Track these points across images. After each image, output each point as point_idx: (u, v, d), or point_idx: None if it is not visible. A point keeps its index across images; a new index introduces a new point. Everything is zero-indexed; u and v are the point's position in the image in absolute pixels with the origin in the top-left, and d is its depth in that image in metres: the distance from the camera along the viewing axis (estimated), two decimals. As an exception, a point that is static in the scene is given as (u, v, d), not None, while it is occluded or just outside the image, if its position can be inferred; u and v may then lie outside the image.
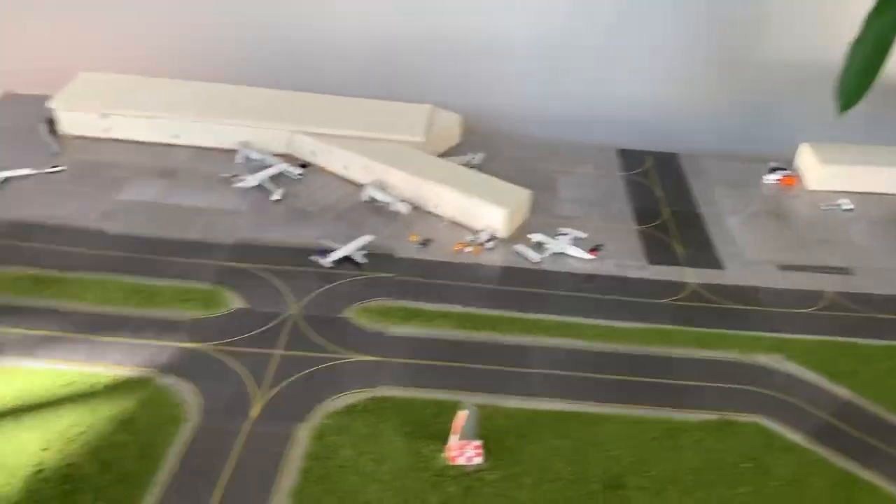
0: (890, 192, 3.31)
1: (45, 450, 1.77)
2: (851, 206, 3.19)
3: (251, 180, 2.78)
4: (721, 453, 1.96)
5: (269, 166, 2.93)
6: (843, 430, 2.15)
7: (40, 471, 1.86)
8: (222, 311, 2.23)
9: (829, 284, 2.75)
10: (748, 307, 2.57)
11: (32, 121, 3.12)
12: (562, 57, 3.66)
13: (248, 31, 3.60)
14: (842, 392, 2.28)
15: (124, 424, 1.85)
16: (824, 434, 2.12)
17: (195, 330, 2.12)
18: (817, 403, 2.23)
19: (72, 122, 3.05)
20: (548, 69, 3.71)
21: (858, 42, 2.42)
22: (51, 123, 3.03)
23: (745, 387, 2.20)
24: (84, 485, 1.67)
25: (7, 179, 2.66)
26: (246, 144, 2.93)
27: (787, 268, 2.79)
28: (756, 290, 2.58)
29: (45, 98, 3.27)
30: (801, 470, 2.00)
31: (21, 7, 3.49)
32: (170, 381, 1.96)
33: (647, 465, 1.92)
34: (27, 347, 2.06)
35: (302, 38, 3.64)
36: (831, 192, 3.25)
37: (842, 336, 2.53)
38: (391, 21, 3.57)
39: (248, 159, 2.95)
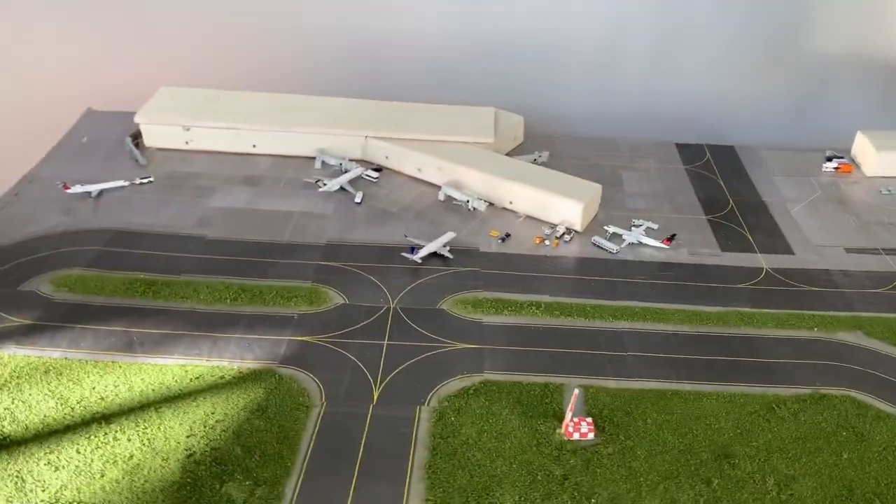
0: (944, 173, 3.41)
1: (190, 436, 1.87)
2: (909, 190, 3.28)
3: (333, 184, 2.90)
4: (819, 424, 2.07)
5: (347, 171, 3.07)
6: (932, 398, 2.24)
7: (191, 454, 1.96)
8: (325, 306, 2.37)
9: (896, 265, 2.85)
10: (823, 288, 2.68)
11: (117, 135, 3.26)
12: (615, 57, 3.78)
13: (318, 42, 3.75)
14: (925, 364, 2.39)
15: (257, 412, 1.97)
16: (914, 403, 2.22)
17: (303, 324, 2.24)
18: (903, 376, 2.33)
19: (155, 135, 3.19)
20: (602, 69, 3.83)
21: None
22: (136, 137, 3.17)
23: (831, 362, 2.30)
24: (233, 466, 1.78)
25: (102, 192, 2.80)
26: (323, 151, 3.05)
27: (854, 251, 2.90)
28: (828, 272, 2.68)
29: (125, 114, 3.40)
30: (897, 437, 2.10)
31: (99, 27, 3.66)
32: (289, 371, 2.09)
33: (751, 435, 2.02)
34: (153, 345, 2.19)
35: (369, 48, 3.79)
36: (889, 178, 3.35)
37: (918, 312, 2.63)
38: (452, 29, 3.72)
39: (325, 165, 3.08)
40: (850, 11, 3.86)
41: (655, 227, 3.27)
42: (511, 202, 3.29)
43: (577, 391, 2.24)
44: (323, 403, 2.21)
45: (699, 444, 2.23)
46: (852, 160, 4.02)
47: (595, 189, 3.24)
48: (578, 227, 3.13)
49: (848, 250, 3.26)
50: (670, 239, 3.14)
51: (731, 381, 2.51)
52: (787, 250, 3.19)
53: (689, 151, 3.91)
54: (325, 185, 3.35)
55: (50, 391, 2.36)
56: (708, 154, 3.91)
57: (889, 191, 3.60)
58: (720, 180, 3.63)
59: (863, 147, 3.87)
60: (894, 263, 3.09)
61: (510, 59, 3.99)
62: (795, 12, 3.88)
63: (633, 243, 3.16)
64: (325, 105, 3.68)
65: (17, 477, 2.32)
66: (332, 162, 3.56)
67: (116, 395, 2.34)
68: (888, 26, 3.65)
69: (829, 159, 4.09)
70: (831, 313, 2.92)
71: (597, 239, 3.12)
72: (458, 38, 3.84)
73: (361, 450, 2.27)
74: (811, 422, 2.32)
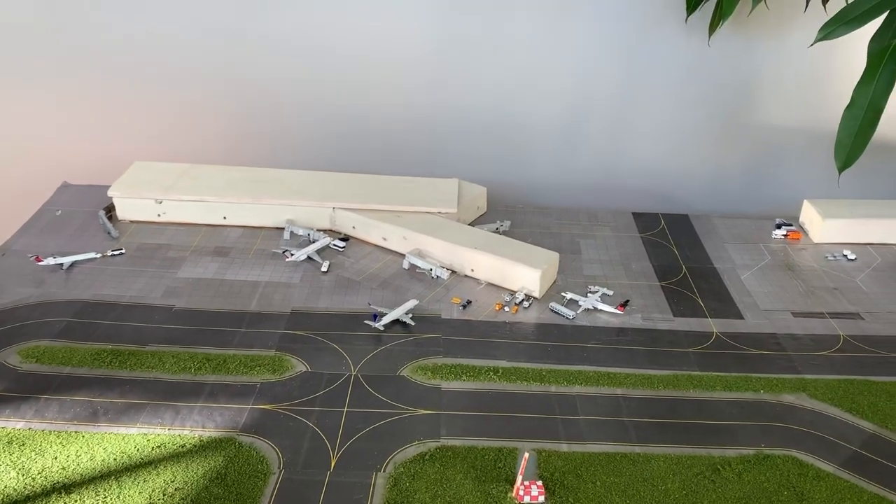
0: (889, 241, 3.55)
1: None
2: (854, 257, 3.41)
3: (300, 254, 2.95)
4: (762, 484, 2.11)
5: (315, 241, 3.13)
6: (871, 458, 2.30)
7: None
8: (287, 374, 2.38)
9: (841, 328, 2.94)
10: (770, 352, 2.73)
11: (91, 208, 3.34)
12: (575, 131, 3.95)
13: (287, 118, 3.93)
14: (865, 425, 2.45)
15: (216, 479, 2.01)
16: (853, 463, 2.27)
17: (266, 392, 2.27)
18: (844, 436, 2.40)
19: (128, 208, 3.25)
20: (562, 142, 3.99)
21: (850, 108, 2.73)
22: (109, 210, 3.25)
23: (776, 424, 2.34)
24: None
25: (74, 263, 2.85)
26: (291, 222, 3.10)
27: (800, 314, 2.98)
28: (775, 336, 2.73)
29: (99, 187, 3.50)
30: (835, 496, 2.16)
31: (75, 103, 3.82)
32: (250, 439, 2.11)
33: (696, 496, 2.06)
34: (117, 414, 2.23)
35: (337, 123, 3.98)
36: (835, 244, 3.45)
37: (860, 375, 2.69)
38: (418, 103, 3.91)
39: (293, 235, 3.13)
40: (796, 88, 3.96)
41: (611, 293, 3.26)
42: (472, 270, 3.28)
43: (527, 455, 2.20)
44: (281, 471, 2.15)
45: None
46: (801, 227, 4.09)
47: (553, 257, 3.24)
48: (537, 294, 3.12)
49: (795, 314, 3.28)
50: (624, 305, 3.15)
51: (679, 444, 2.46)
52: (737, 315, 3.20)
53: (644, 220, 3.92)
54: (292, 255, 3.32)
55: (12, 462, 2.26)
56: (663, 222, 3.94)
57: (835, 257, 3.67)
58: (674, 247, 3.65)
59: (810, 215, 3.95)
60: (838, 327, 3.12)
61: (475, 132, 4.01)
62: (746, 88, 3.99)
63: (588, 309, 3.15)
64: (294, 178, 3.67)
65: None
66: (301, 232, 3.53)
67: (78, 464, 2.25)
68: (832, 99, 3.77)
69: (779, 226, 4.15)
70: (777, 375, 2.93)
71: (554, 305, 3.10)
72: (424, 112, 3.87)
73: (316, 517, 2.27)
74: (754, 482, 2.28)
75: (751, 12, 2.98)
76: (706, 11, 3.24)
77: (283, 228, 3.27)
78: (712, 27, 3.24)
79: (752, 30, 3.37)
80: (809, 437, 2.45)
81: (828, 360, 2.88)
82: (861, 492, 2.17)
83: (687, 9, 3.18)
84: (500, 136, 3.66)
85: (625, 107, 3.63)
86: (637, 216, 3.74)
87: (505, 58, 3.41)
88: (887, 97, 2.69)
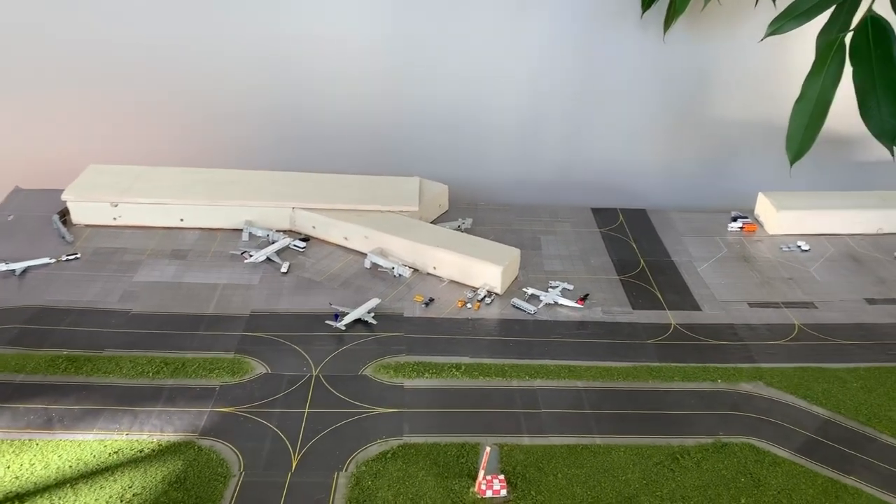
0: (841, 232, 3.63)
1: None
2: (808, 247, 3.48)
3: (259, 255, 2.92)
4: (720, 471, 2.15)
5: (274, 242, 3.10)
6: (825, 443, 2.36)
7: None
8: (247, 376, 2.36)
9: (796, 317, 3.01)
10: (726, 342, 2.78)
11: (44, 213, 3.28)
12: (534, 128, 3.98)
13: (244, 117, 3.90)
14: (819, 411, 2.50)
15: (175, 484, 1.99)
16: (808, 448, 2.32)
17: (225, 395, 2.24)
18: (799, 422, 2.45)
19: (83, 212, 3.19)
20: (521, 139, 4.02)
21: (800, 101, 2.79)
22: (64, 214, 3.19)
23: (733, 412, 2.38)
24: None
25: (27, 269, 2.78)
26: (250, 223, 3.07)
27: (756, 305, 3.03)
28: (732, 326, 2.78)
29: (52, 192, 3.42)
30: (790, 481, 2.20)
31: (28, 105, 3.75)
32: (209, 442, 2.09)
33: (656, 485, 2.09)
34: (73, 421, 2.19)
35: (295, 122, 3.95)
36: (789, 235, 3.52)
37: (814, 362, 2.75)
38: (375, 100, 3.90)
39: (252, 236, 3.10)
40: (749, 80, 4.04)
41: (571, 287, 3.29)
42: (435, 267, 3.27)
43: (488, 449, 2.21)
44: (241, 473, 2.12)
45: (607, 496, 2.21)
46: (756, 220, 4.16)
47: (514, 253, 3.25)
48: (499, 290, 3.13)
49: (751, 305, 3.34)
50: (584, 299, 3.17)
51: (639, 434, 2.49)
52: (695, 306, 3.24)
53: (603, 215, 3.96)
54: (251, 256, 3.27)
55: None
56: (621, 217, 3.97)
57: (789, 248, 3.74)
58: (632, 242, 3.68)
59: (764, 207, 4.02)
60: (793, 316, 3.19)
61: (434, 130, 3.99)
62: (700, 83, 4.05)
63: (549, 304, 3.16)
64: (252, 178, 3.62)
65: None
66: (260, 233, 3.48)
67: (32, 473, 2.19)
68: (784, 93, 3.84)
69: (735, 219, 4.21)
70: (734, 365, 2.98)
71: (516, 301, 3.11)
72: (383, 111, 3.83)
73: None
74: (713, 470, 2.33)
75: (703, 8, 3.03)
76: (661, 7, 3.29)
77: (241, 230, 3.24)
78: (667, 23, 3.29)
79: (706, 26, 3.43)
80: (766, 425, 2.50)
81: (783, 349, 2.94)
82: (815, 476, 2.22)
83: (642, 5, 3.22)
84: (459, 134, 3.68)
85: (582, 103, 3.67)
86: (596, 211, 3.78)
87: (462, 56, 3.43)
88: (835, 89, 2.76)
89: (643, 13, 3.15)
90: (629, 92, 3.56)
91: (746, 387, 2.51)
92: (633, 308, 2.88)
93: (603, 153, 3.68)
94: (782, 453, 2.25)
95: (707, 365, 2.58)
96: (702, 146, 3.79)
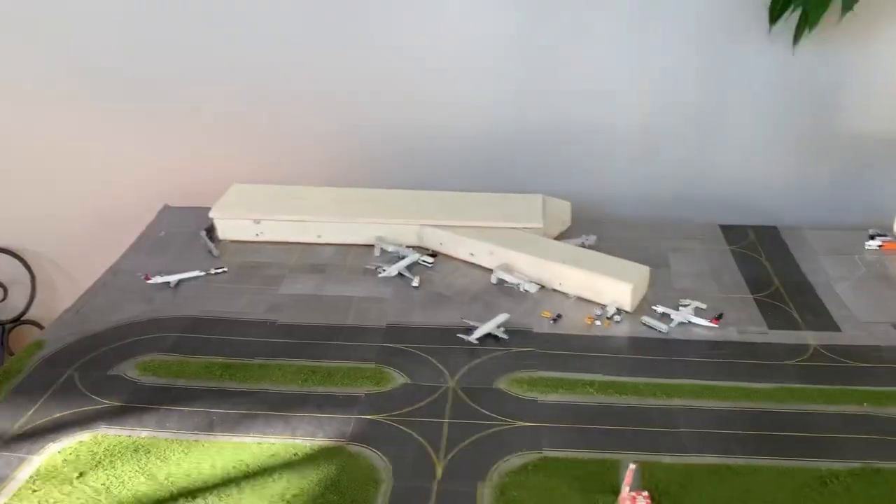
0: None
1: None
2: (955, 266, 3.27)
3: (392, 270, 3.03)
4: (872, 498, 2.07)
5: (404, 257, 3.20)
6: None
7: None
8: (389, 386, 2.44)
9: (947, 340, 2.83)
10: (871, 364, 2.66)
11: (192, 229, 3.51)
12: (657, 142, 3.94)
13: (374, 139, 4.06)
14: (981, 437, 2.36)
15: (330, 487, 2.09)
16: (970, 478, 2.19)
17: (371, 403, 2.33)
18: (956, 450, 2.32)
19: (228, 228, 3.40)
20: (645, 154, 3.98)
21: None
22: (210, 231, 3.40)
23: (882, 437, 2.28)
24: None
25: (181, 281, 2.98)
26: (381, 239, 3.19)
27: (902, 326, 2.89)
28: (877, 348, 2.66)
29: (200, 209, 3.66)
30: (953, 510, 2.08)
31: (173, 130, 4.05)
32: (358, 448, 2.18)
33: (805, 509, 2.04)
34: (231, 424, 2.33)
35: (422, 142, 4.09)
36: (932, 254, 3.33)
37: (969, 386, 2.60)
38: (498, 121, 3.98)
39: (383, 252, 3.21)
40: (885, 92, 3.81)
41: (703, 306, 3.20)
42: (561, 284, 3.26)
43: (632, 466, 2.18)
44: (391, 479, 2.19)
45: None
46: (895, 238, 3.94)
47: (643, 270, 3.19)
48: (628, 308, 3.07)
49: (895, 326, 3.16)
50: (718, 318, 3.07)
51: (783, 456, 2.39)
52: (834, 327, 3.07)
53: (732, 232, 3.82)
54: (384, 270, 3.37)
55: (140, 468, 2.36)
56: (751, 235, 3.81)
57: None
58: (764, 260, 3.54)
59: None
60: None
61: (556, 146, 3.98)
62: (834, 96, 3.85)
63: (682, 322, 3.09)
64: (382, 197, 3.74)
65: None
66: (391, 249, 3.59)
67: (200, 471, 2.34)
68: None
69: (872, 237, 3.96)
70: (880, 388, 2.80)
71: (646, 319, 3.05)
72: (502, 128, 3.88)
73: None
74: (864, 496, 2.18)
75: (841, 20, 2.95)
76: (791, 20, 3.23)
77: (373, 245, 3.38)
78: (797, 36, 3.22)
79: (838, 35, 3.34)
80: (920, 451, 2.39)
81: (933, 373, 2.81)
82: (982, 507, 2.11)
83: (770, 20, 3.18)
84: (579, 149, 3.70)
85: (706, 117, 3.63)
86: (725, 228, 3.71)
87: (582, 70, 3.47)
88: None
89: (771, 27, 3.10)
90: (756, 106, 3.49)
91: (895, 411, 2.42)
92: (770, 328, 2.82)
93: (729, 168, 3.62)
94: (940, 482, 2.15)
95: (851, 387, 2.50)
96: (835, 161, 3.67)
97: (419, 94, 3.63)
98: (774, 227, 3.67)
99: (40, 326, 3.17)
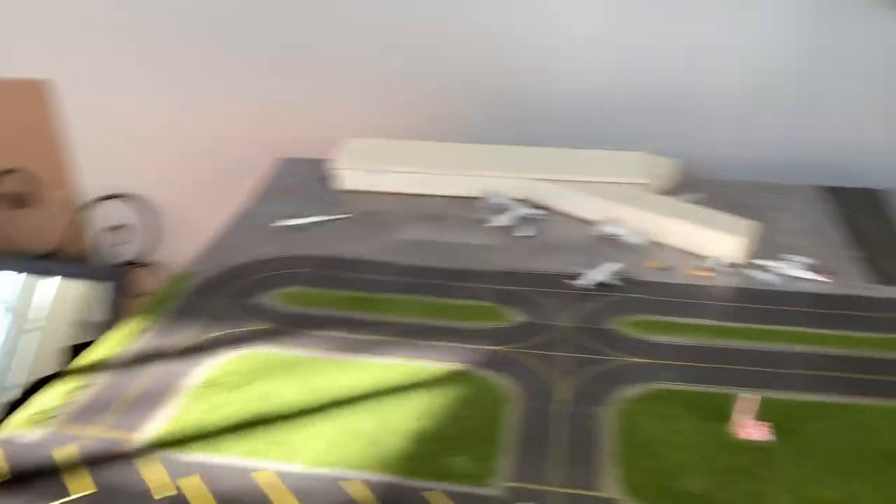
0: None
1: (419, 419, 2.11)
2: None
3: (501, 220, 3.18)
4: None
5: (513, 209, 3.35)
6: None
7: (419, 433, 2.18)
8: (508, 322, 2.60)
9: None
10: None
11: (312, 178, 3.75)
12: (762, 103, 3.98)
13: (482, 96, 4.24)
14: None
15: (465, 404, 2.28)
16: None
17: (492, 336, 2.49)
18: None
19: (349, 178, 3.62)
20: (748, 115, 4.03)
21: None
22: (323, 181, 3.63)
23: None
24: (453, 445, 2.01)
25: (309, 224, 3.23)
26: (491, 192, 3.33)
27: None
28: None
29: (316, 161, 3.90)
30: None
31: (289, 84, 4.31)
32: (486, 373, 2.35)
33: (908, 441, 2.13)
34: (371, 347, 2.53)
35: (528, 99, 4.24)
36: None
37: None
38: (599, 78, 4.09)
39: (493, 203, 3.36)
40: None
41: (809, 261, 3.20)
42: (668, 237, 3.32)
43: (749, 396, 2.25)
44: (519, 400, 2.34)
45: (865, 451, 2.18)
46: None
47: (752, 224, 3.22)
48: (738, 261, 3.11)
49: None
50: (826, 272, 3.06)
51: (889, 397, 2.41)
52: None
53: (837, 194, 3.79)
54: (494, 221, 3.51)
55: (294, 381, 2.59)
56: (858, 197, 3.78)
57: None
58: (870, 221, 3.51)
59: None
60: None
61: (658, 104, 4.01)
62: None
63: (790, 276, 3.10)
64: (490, 151, 3.86)
65: (279, 444, 2.51)
66: (499, 201, 3.72)
67: (350, 386, 2.55)
68: None
69: None
70: None
71: (754, 271, 3.09)
72: (606, 88, 3.92)
73: (557, 439, 2.36)
74: None
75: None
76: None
77: (482, 197, 3.58)
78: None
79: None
80: None
81: None
82: None
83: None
84: (683, 109, 3.80)
85: (816, 78, 3.67)
86: (830, 190, 3.78)
87: (687, 30, 3.55)
88: None
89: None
90: (867, 68, 3.52)
91: None
92: (876, 283, 2.91)
93: (836, 131, 3.67)
94: None
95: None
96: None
97: (524, 63, 3.82)
98: (881, 190, 3.72)
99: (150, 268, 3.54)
